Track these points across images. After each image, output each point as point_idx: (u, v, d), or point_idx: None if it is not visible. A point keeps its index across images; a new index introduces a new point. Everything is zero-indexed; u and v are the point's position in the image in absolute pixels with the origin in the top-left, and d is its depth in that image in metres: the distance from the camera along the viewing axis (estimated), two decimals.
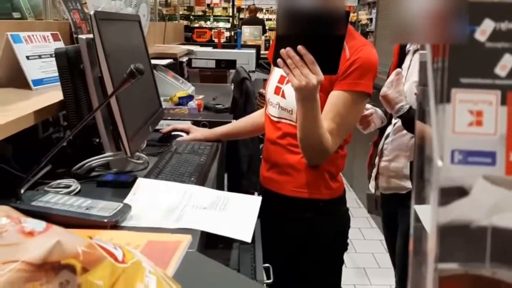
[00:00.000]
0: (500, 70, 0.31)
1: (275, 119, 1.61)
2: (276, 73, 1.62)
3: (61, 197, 1.14)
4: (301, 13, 1.31)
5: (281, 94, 1.58)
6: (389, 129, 1.97)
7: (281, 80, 1.59)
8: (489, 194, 0.30)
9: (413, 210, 0.31)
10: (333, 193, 1.61)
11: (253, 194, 2.80)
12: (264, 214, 1.65)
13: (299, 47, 1.30)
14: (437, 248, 0.30)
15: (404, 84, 1.86)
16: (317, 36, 1.30)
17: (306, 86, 1.30)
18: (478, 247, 0.31)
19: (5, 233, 0.50)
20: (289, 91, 1.53)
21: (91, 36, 1.31)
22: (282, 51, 1.31)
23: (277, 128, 1.60)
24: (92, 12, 1.14)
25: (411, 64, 1.88)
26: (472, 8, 0.29)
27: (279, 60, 1.31)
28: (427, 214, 0.30)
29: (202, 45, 4.73)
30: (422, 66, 0.35)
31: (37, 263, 0.47)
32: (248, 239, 1.10)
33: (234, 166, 2.72)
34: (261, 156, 3.05)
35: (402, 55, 1.95)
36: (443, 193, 0.30)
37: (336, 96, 1.47)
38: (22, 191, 1.16)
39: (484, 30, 0.29)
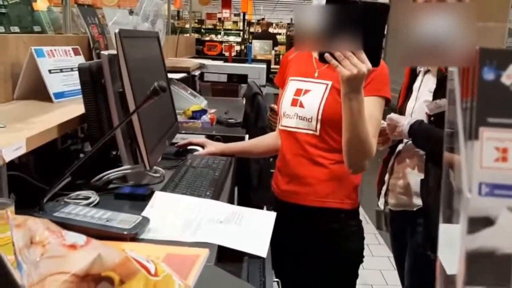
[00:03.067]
0: None
1: (292, 130, 1.62)
2: (291, 88, 1.65)
3: (81, 208, 1.18)
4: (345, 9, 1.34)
5: (299, 104, 1.60)
6: (400, 147, 1.99)
7: (297, 92, 1.62)
8: None
9: (441, 236, 0.34)
10: (353, 204, 1.64)
11: (262, 208, 2.83)
12: (281, 227, 1.67)
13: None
14: (465, 273, 0.32)
15: (415, 103, 1.90)
16: (360, 29, 1.33)
17: (357, 74, 1.31)
18: (503, 272, 0.33)
19: (48, 245, 0.53)
20: (307, 100, 1.57)
21: (112, 52, 1.35)
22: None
23: (295, 139, 1.62)
24: (117, 31, 1.19)
25: (421, 85, 1.92)
26: (499, 55, 0.32)
27: (326, 54, 1.32)
28: (454, 239, 0.33)
29: (212, 58, 4.79)
30: (451, 95, 0.38)
31: (81, 274, 0.50)
32: (264, 254, 1.13)
33: (244, 180, 2.75)
34: (272, 171, 3.08)
35: (413, 75, 1.98)
36: (471, 222, 0.33)
37: (366, 101, 1.49)
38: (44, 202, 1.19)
39: (510, 75, 0.32)
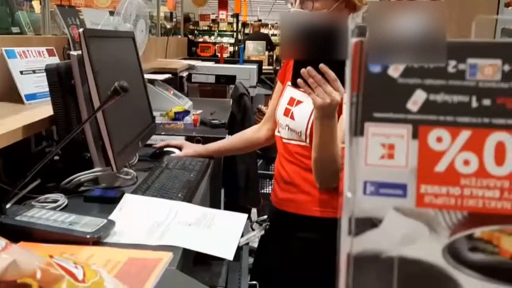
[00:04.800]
0: (412, 105, 0.31)
1: (285, 141, 1.59)
2: (286, 95, 1.60)
3: (46, 212, 1.15)
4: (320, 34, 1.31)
5: (290, 115, 1.56)
6: None
7: (291, 102, 1.57)
8: (400, 225, 0.31)
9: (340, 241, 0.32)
10: None
11: (249, 210, 2.80)
12: (279, 237, 1.64)
13: (321, 65, 1.28)
14: (349, 277, 0.30)
15: None
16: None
17: (330, 104, 1.28)
18: (387, 276, 0.31)
19: None
20: (298, 113, 1.53)
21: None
22: (303, 70, 1.29)
23: (288, 149, 1.59)
24: (81, 30, 1.16)
25: None
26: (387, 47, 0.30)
27: (299, 80, 1.29)
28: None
29: (205, 59, 4.77)
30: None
31: None
32: (229, 257, 1.10)
33: (231, 181, 2.73)
34: (258, 171, 3.05)
35: None
36: (357, 223, 0.31)
37: (342, 119, 1.45)
38: (9, 205, 1.17)
39: (397, 66, 0.30)
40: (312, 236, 1.57)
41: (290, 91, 1.59)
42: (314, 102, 1.30)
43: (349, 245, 0.31)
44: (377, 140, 0.31)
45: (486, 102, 0.31)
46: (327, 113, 1.32)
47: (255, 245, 1.83)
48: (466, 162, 0.32)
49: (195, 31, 10.93)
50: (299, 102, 1.55)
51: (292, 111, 1.56)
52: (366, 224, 0.31)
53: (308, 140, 1.52)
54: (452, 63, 0.31)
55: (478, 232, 0.32)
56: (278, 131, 1.63)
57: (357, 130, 0.31)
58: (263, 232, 1.75)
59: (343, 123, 1.41)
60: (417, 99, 0.31)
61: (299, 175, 1.56)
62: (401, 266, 0.31)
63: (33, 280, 0.51)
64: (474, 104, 0.31)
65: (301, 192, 1.56)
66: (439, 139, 0.31)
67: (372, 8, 0.29)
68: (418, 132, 0.32)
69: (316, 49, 1.38)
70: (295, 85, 1.32)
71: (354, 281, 0.31)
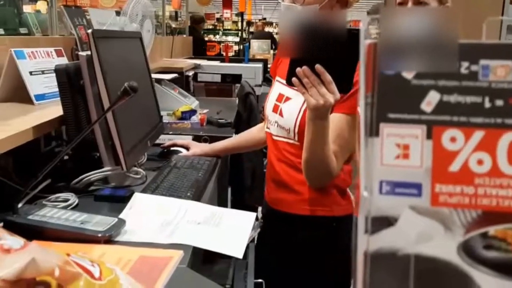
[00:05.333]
0: (426, 106, 0.32)
1: (275, 138, 1.59)
2: (275, 90, 1.60)
3: (57, 211, 1.17)
4: (317, 34, 1.31)
5: (279, 112, 1.55)
6: None
7: (279, 98, 1.57)
8: (415, 224, 0.32)
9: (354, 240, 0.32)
10: (343, 210, 1.56)
11: (256, 208, 2.82)
12: (273, 236, 1.64)
13: (317, 66, 1.27)
14: (366, 275, 0.31)
15: None
16: (332, 55, 1.29)
17: (323, 105, 1.27)
18: (404, 274, 0.32)
19: None
20: (287, 109, 1.52)
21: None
22: (298, 70, 1.28)
23: (277, 147, 1.58)
24: (90, 31, 1.17)
25: None
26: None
27: (294, 79, 1.28)
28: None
29: (210, 59, 4.78)
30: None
31: (12, 279, 0.49)
32: (239, 255, 1.11)
33: (237, 180, 2.74)
34: (264, 170, 3.06)
35: None
36: (373, 222, 0.31)
37: (337, 119, 1.45)
38: (20, 204, 1.18)
39: None
40: (303, 235, 1.57)
41: (279, 87, 1.58)
42: (308, 102, 1.29)
43: (365, 243, 0.31)
44: (392, 141, 0.31)
45: (499, 102, 0.32)
46: (319, 114, 1.32)
47: None
48: (480, 162, 0.32)
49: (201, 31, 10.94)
50: (287, 98, 1.54)
51: (280, 108, 1.55)
52: (382, 222, 0.32)
53: (296, 138, 1.51)
54: (465, 64, 0.32)
55: (492, 230, 0.32)
56: (268, 127, 1.62)
57: (372, 130, 0.31)
58: (259, 230, 1.75)
59: (331, 129, 1.42)
60: (431, 100, 0.32)
61: (288, 173, 1.56)
62: (417, 263, 0.32)
63: (52, 278, 0.52)
64: (487, 104, 0.32)
65: (291, 191, 1.56)
66: (453, 139, 0.32)
67: (384, 14, 0.30)
68: (432, 132, 0.32)
69: (312, 48, 1.38)
70: (289, 83, 1.31)
71: (371, 279, 0.31)
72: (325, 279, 1.58)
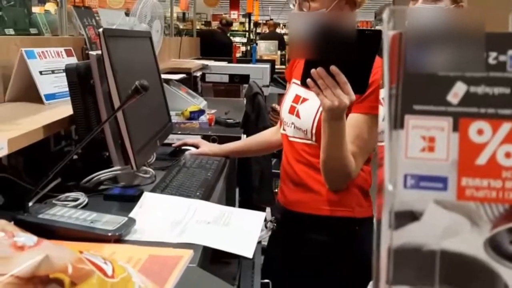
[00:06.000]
0: (452, 97, 0.31)
1: (291, 139, 1.57)
2: (291, 92, 1.59)
3: (67, 210, 1.17)
4: (333, 36, 1.29)
5: (295, 113, 1.54)
6: None
7: (296, 99, 1.55)
8: (441, 219, 0.31)
9: (375, 236, 0.32)
10: (365, 212, 1.54)
11: (264, 209, 2.82)
12: (287, 237, 1.63)
13: (332, 68, 1.26)
14: (389, 271, 0.30)
15: None
16: (347, 56, 1.28)
17: (338, 106, 1.26)
18: (429, 270, 0.31)
19: None
20: (303, 110, 1.51)
21: (100, 52, 1.34)
22: (313, 71, 1.27)
23: (294, 148, 1.57)
24: (100, 30, 1.18)
25: None
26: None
27: (308, 80, 1.27)
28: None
29: (217, 59, 4.78)
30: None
31: (26, 276, 0.49)
32: (249, 254, 1.11)
33: (245, 180, 2.73)
34: (273, 171, 3.05)
35: None
36: (396, 217, 0.31)
37: (355, 119, 1.44)
38: (31, 203, 1.18)
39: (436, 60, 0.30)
40: (322, 237, 1.54)
41: (295, 89, 1.57)
42: (323, 104, 1.29)
43: (389, 238, 0.31)
44: (417, 133, 0.31)
45: None
46: (335, 116, 1.31)
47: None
48: (508, 155, 0.32)
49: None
50: (304, 99, 1.53)
51: (297, 109, 1.54)
52: (407, 217, 0.31)
53: (314, 139, 1.50)
54: (493, 54, 0.31)
55: None
56: (284, 129, 1.61)
57: (397, 123, 0.31)
58: (270, 232, 1.73)
59: (349, 129, 1.40)
60: (458, 91, 0.31)
61: (307, 174, 1.54)
62: (443, 259, 0.31)
63: (65, 275, 0.52)
64: None
65: (310, 191, 1.54)
66: (480, 132, 0.31)
67: (410, 9, 0.29)
68: (459, 124, 0.31)
69: (324, 49, 1.37)
70: (304, 84, 1.30)
71: (394, 275, 0.31)
72: (338, 282, 1.56)
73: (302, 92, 1.54)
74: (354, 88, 1.28)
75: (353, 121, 1.44)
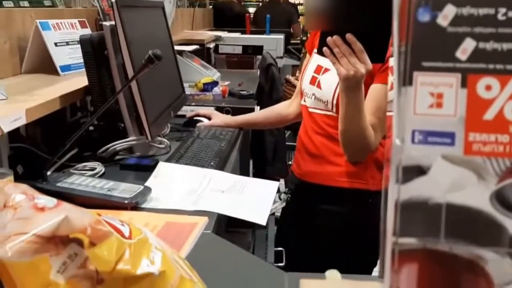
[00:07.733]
0: (461, 54, 0.31)
1: (311, 110, 1.56)
2: (313, 62, 1.57)
3: (85, 178, 1.19)
4: (350, 3, 1.27)
5: (316, 84, 1.52)
6: None
7: (318, 70, 1.53)
8: (448, 173, 0.32)
9: (384, 191, 0.32)
10: (379, 184, 1.50)
11: (278, 180, 2.84)
12: (301, 209, 1.63)
13: (348, 35, 1.24)
14: (396, 224, 0.31)
15: None
16: (363, 25, 1.26)
17: (354, 75, 1.25)
18: (435, 223, 0.32)
19: (19, 208, 0.54)
20: (325, 81, 1.49)
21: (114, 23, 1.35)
22: (329, 39, 1.25)
23: (314, 118, 1.56)
24: (114, 0, 1.18)
25: None
26: None
27: (325, 49, 1.26)
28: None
29: (230, 30, 4.73)
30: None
31: (47, 236, 0.51)
32: (263, 222, 1.12)
33: (259, 152, 2.75)
34: (287, 143, 3.05)
35: None
36: (404, 171, 0.31)
37: (377, 90, 1.42)
38: (49, 172, 1.21)
39: (446, 15, 0.30)
40: (335, 207, 1.55)
41: (317, 59, 1.55)
42: (339, 72, 1.27)
43: (396, 192, 0.31)
44: (425, 89, 0.31)
45: None
46: (351, 85, 1.29)
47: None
48: None
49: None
50: (326, 70, 1.51)
51: (318, 79, 1.52)
52: (414, 171, 0.32)
53: (334, 110, 1.48)
54: (502, 10, 0.31)
55: None
56: (304, 100, 1.60)
57: (405, 79, 0.31)
58: (284, 204, 1.74)
59: (370, 100, 1.38)
60: (467, 47, 0.31)
61: (326, 146, 1.53)
62: (448, 212, 0.32)
63: (84, 235, 0.53)
64: None
65: (329, 163, 1.53)
66: (488, 87, 0.32)
67: None
68: (467, 80, 0.32)
69: (340, 19, 1.35)
70: (321, 53, 1.29)
71: (401, 228, 0.32)
72: (350, 252, 1.57)
73: (325, 62, 1.51)
74: (373, 57, 1.26)
75: (374, 92, 1.42)
